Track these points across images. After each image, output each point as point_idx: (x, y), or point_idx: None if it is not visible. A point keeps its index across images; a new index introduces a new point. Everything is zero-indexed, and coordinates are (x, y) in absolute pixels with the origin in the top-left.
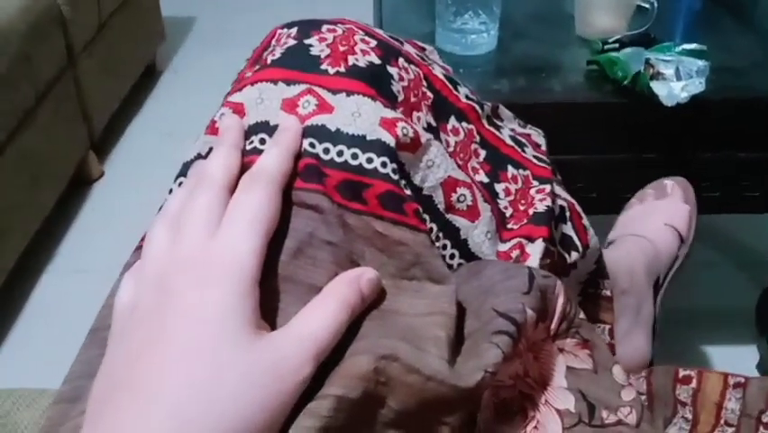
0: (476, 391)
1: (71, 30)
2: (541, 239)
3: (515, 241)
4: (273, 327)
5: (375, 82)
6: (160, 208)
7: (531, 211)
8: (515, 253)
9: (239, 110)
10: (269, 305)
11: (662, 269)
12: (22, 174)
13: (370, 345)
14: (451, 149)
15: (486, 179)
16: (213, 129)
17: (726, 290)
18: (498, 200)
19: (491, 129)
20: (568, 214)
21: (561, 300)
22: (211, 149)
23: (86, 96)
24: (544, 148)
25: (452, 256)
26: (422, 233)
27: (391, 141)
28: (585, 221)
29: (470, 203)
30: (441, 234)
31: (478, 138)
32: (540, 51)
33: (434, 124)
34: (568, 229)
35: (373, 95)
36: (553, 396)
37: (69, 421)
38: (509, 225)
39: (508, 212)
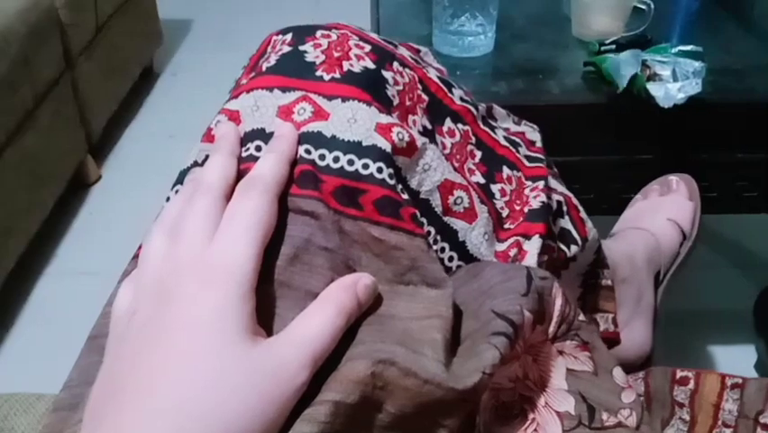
0: (474, 392)
1: (69, 33)
2: (537, 235)
3: (512, 240)
4: (270, 332)
5: (370, 87)
6: (158, 216)
7: (526, 209)
8: (512, 252)
9: (234, 117)
10: (265, 311)
11: (663, 263)
12: (21, 177)
13: (366, 349)
14: (447, 151)
15: (482, 180)
16: (209, 137)
17: (724, 290)
18: (495, 201)
19: (486, 130)
20: (565, 208)
21: (559, 302)
22: (207, 156)
23: (84, 98)
24: (539, 144)
25: (450, 258)
26: (418, 237)
27: (387, 146)
28: (583, 214)
29: (467, 205)
30: (439, 237)
31: (474, 139)
32: (537, 53)
33: (429, 126)
34: (566, 223)
35: (369, 100)
36: (553, 398)
37: (68, 429)
38: (506, 225)
39: (505, 212)
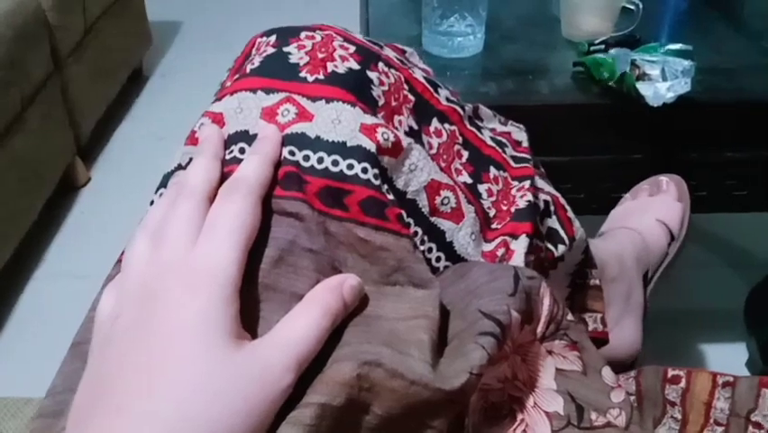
0: (461, 393)
1: (57, 35)
2: (524, 235)
3: (499, 239)
4: (255, 335)
5: (355, 88)
6: (141, 220)
7: (513, 209)
8: (500, 252)
9: (218, 120)
10: (250, 314)
11: (651, 263)
12: (9, 179)
13: (352, 351)
14: (434, 151)
15: (469, 180)
16: (193, 139)
17: (715, 289)
18: (482, 201)
19: (473, 130)
20: (552, 207)
21: (547, 302)
22: (191, 159)
23: (72, 101)
24: (525, 144)
25: (438, 259)
26: (404, 238)
27: (372, 146)
28: (570, 213)
29: (454, 205)
30: (426, 238)
31: (460, 139)
32: (527, 54)
33: (416, 127)
34: (553, 223)
35: (353, 101)
36: (542, 398)
37: None
38: (493, 225)
39: (492, 212)
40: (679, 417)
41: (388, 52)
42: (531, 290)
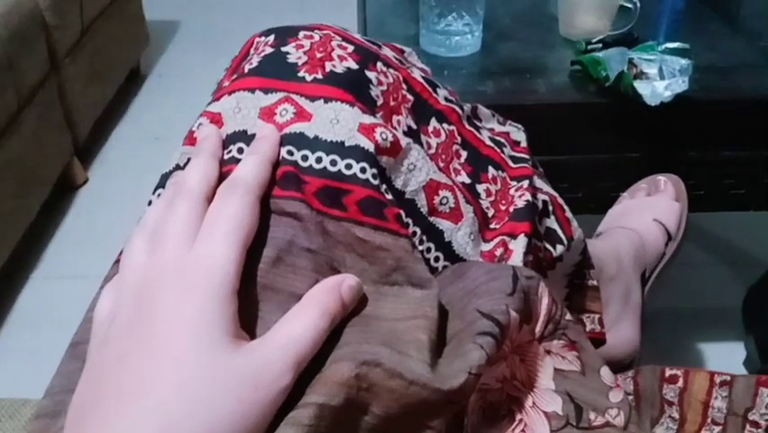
0: (460, 393)
1: (54, 35)
2: (523, 234)
3: (498, 239)
4: (253, 336)
5: (353, 88)
6: (140, 220)
7: (511, 209)
8: (498, 252)
9: (216, 120)
10: (248, 314)
11: (648, 263)
12: (7, 180)
13: (351, 351)
14: (432, 150)
15: (468, 180)
16: (191, 139)
17: (713, 288)
18: (481, 201)
19: (472, 130)
20: (551, 208)
21: (545, 302)
22: (189, 160)
23: (70, 101)
24: (523, 144)
25: (436, 259)
26: (403, 237)
27: (370, 146)
28: (568, 213)
29: (452, 205)
30: (425, 238)
31: (459, 139)
32: (524, 52)
33: (414, 126)
34: (552, 223)
35: (351, 101)
36: (541, 398)
37: None
38: (492, 225)
39: (490, 212)
40: (677, 416)
41: (387, 52)
42: (529, 289)
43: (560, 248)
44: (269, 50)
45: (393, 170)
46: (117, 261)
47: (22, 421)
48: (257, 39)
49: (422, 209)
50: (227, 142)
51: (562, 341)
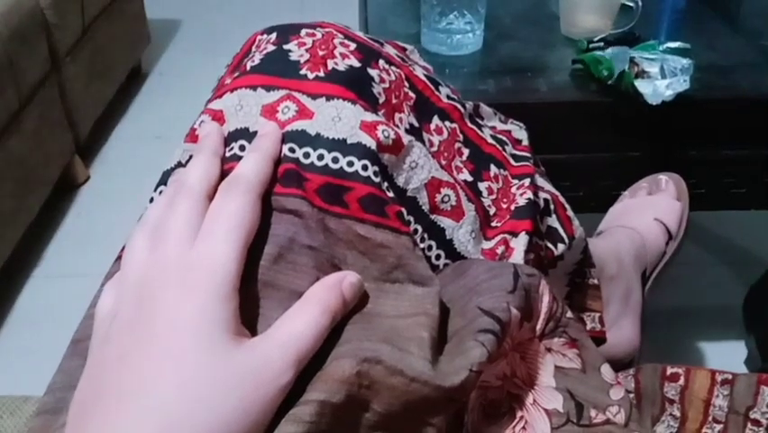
0: (461, 390)
1: (55, 34)
2: (524, 232)
3: (499, 237)
4: (254, 333)
5: (355, 86)
6: (141, 217)
7: (513, 207)
8: (500, 250)
9: (218, 117)
10: (249, 311)
11: (649, 262)
12: (8, 179)
13: (352, 348)
14: (434, 148)
15: (470, 178)
16: (192, 137)
17: (714, 287)
18: (482, 199)
19: (474, 128)
20: (552, 206)
21: (546, 299)
22: (191, 157)
23: (71, 100)
24: (525, 143)
25: (438, 257)
26: (404, 235)
27: (372, 144)
28: (570, 212)
29: (454, 203)
30: (426, 235)
31: (461, 137)
32: (526, 51)
33: (416, 124)
34: (553, 222)
35: (353, 98)
36: (541, 396)
37: None
38: (493, 223)
39: (492, 210)
40: (677, 414)
41: (389, 50)
42: (530, 287)
43: (561, 247)
44: (271, 47)
45: (395, 167)
46: (119, 258)
47: (23, 418)
48: (259, 36)
49: (423, 207)
50: (229, 139)
51: (563, 339)
